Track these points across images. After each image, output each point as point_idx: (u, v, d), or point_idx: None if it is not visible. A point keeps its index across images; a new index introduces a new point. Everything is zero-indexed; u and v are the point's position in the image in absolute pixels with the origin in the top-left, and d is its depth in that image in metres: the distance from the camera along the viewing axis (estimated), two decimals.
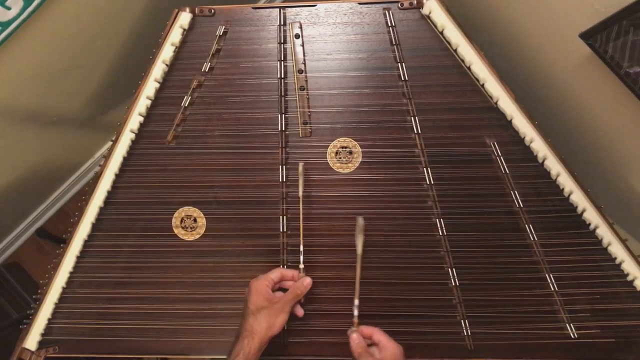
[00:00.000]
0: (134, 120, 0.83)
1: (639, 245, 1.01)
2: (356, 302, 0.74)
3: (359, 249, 0.74)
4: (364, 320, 0.74)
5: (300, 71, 0.82)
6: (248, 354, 0.68)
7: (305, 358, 0.83)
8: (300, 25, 0.82)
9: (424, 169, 0.81)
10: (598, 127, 0.92)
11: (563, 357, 0.80)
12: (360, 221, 0.74)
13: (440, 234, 0.81)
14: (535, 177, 0.80)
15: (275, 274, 0.76)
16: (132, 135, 0.84)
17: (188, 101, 0.83)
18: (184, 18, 0.81)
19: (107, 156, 0.84)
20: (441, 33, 0.79)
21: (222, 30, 0.82)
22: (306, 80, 0.83)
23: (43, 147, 1.33)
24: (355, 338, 0.71)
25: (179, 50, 0.83)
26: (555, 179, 0.79)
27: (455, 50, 0.79)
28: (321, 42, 0.82)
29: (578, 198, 0.79)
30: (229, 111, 0.84)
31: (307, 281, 0.78)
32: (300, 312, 0.80)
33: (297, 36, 0.82)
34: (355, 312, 0.74)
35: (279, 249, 0.84)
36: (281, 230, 0.84)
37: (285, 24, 0.82)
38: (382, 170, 0.82)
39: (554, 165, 0.78)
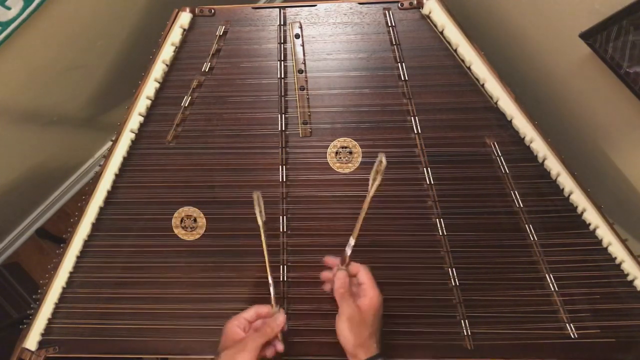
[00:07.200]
0: (134, 120, 0.83)
1: (639, 245, 1.01)
2: (352, 241, 0.67)
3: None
4: None
5: (300, 71, 0.82)
6: None
7: (305, 358, 0.83)
8: (300, 25, 0.82)
9: (424, 169, 0.81)
10: (598, 127, 0.92)
11: (563, 357, 0.80)
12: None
13: (440, 234, 0.81)
14: (535, 177, 0.80)
15: (249, 314, 0.69)
16: (132, 135, 0.84)
17: (188, 101, 0.83)
18: (184, 18, 0.81)
19: (107, 156, 0.84)
20: (441, 33, 0.79)
21: (222, 30, 0.82)
22: (306, 80, 0.83)
23: (43, 147, 1.33)
24: (341, 277, 0.67)
25: (179, 50, 0.83)
26: (555, 179, 0.79)
27: (455, 50, 0.79)
28: (321, 42, 0.82)
29: (578, 198, 0.79)
30: (229, 111, 0.84)
31: (280, 319, 0.67)
32: (280, 347, 0.69)
33: (297, 36, 0.82)
34: (349, 252, 0.67)
35: (279, 249, 0.84)
36: (281, 230, 0.84)
37: (285, 24, 0.82)
38: None
39: (554, 165, 0.78)
